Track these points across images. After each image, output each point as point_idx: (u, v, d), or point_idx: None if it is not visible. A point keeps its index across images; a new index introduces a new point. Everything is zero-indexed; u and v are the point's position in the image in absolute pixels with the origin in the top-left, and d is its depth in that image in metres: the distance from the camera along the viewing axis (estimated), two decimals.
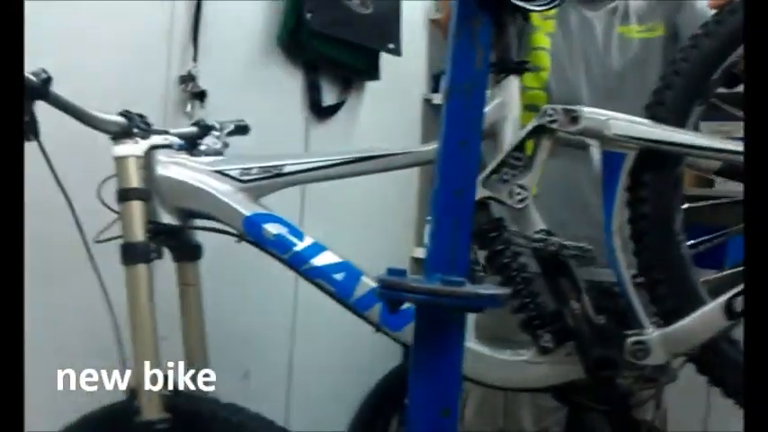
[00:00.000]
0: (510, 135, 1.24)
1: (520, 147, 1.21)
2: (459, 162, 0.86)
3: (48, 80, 1.12)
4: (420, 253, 2.51)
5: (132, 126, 1.26)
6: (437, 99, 2.57)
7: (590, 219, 1.47)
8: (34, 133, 1.13)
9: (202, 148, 1.41)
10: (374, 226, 2.38)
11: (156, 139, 1.28)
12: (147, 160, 1.27)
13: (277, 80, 2.10)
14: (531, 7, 1.03)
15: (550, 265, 1.18)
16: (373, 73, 2.25)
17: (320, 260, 1.25)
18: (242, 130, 1.56)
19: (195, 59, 1.83)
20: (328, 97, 2.21)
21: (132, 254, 1.22)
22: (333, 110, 2.20)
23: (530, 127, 1.21)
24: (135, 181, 1.24)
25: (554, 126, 1.19)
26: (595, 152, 1.24)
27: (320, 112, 2.17)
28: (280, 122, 2.08)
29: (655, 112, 1.19)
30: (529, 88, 1.72)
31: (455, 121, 0.86)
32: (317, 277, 1.25)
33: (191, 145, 1.39)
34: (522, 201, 1.20)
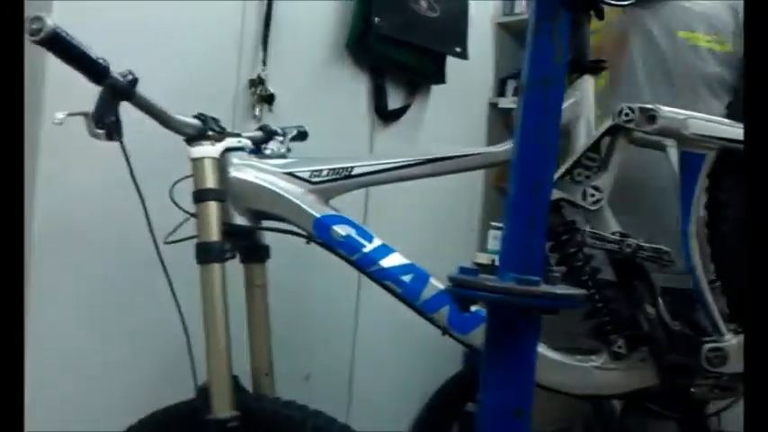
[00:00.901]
0: (584, 135, 1.23)
1: (594, 147, 1.19)
2: (536, 156, 0.85)
3: (134, 81, 1.15)
4: (483, 258, 2.49)
5: (207, 128, 1.29)
6: (503, 103, 2.55)
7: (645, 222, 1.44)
8: (118, 134, 1.16)
9: (267, 152, 1.44)
10: (437, 230, 2.37)
11: (229, 142, 1.31)
12: (222, 162, 1.30)
13: (344, 84, 2.11)
14: (614, 3, 1.02)
15: (625, 268, 1.15)
16: (439, 77, 2.24)
17: (388, 262, 1.25)
18: (302, 136, 1.58)
19: (265, 63, 1.86)
20: (394, 101, 2.21)
21: (207, 253, 1.24)
22: (398, 113, 2.20)
23: (605, 127, 1.19)
24: (211, 182, 1.26)
25: (630, 125, 1.17)
26: (672, 153, 1.21)
27: (386, 115, 2.17)
28: (346, 126, 2.09)
29: (735, 111, 1.16)
30: None
31: (533, 114, 0.85)
32: (385, 279, 1.25)
33: (256, 149, 1.41)
34: (596, 202, 1.18)
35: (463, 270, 0.88)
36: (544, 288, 0.83)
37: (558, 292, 0.83)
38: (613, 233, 1.15)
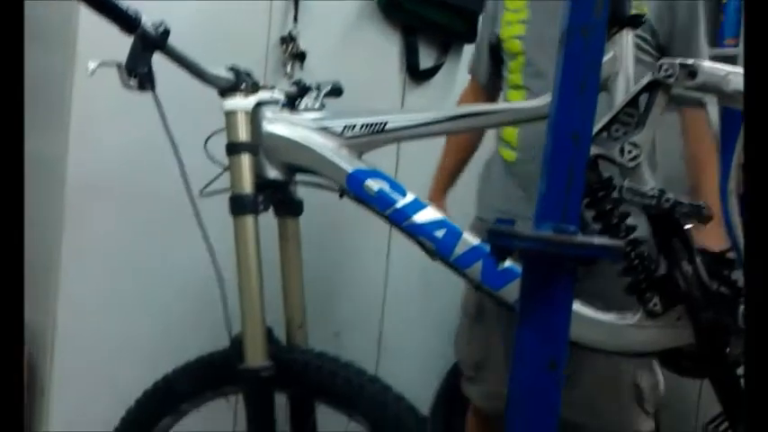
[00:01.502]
0: (622, 91, 1.20)
1: (633, 103, 1.17)
2: (576, 105, 0.84)
3: (166, 32, 1.15)
4: None
5: (241, 81, 1.28)
6: None
7: None
8: (151, 84, 1.16)
9: (301, 107, 1.43)
10: (466, 188, 2.36)
11: (263, 95, 1.30)
12: (254, 116, 1.30)
13: (375, 42, 2.09)
14: None
15: (663, 225, 1.14)
16: (471, 36, 2.20)
17: (421, 217, 1.24)
18: (337, 92, 1.57)
19: (296, 20, 1.84)
20: (426, 60, 2.19)
21: (241, 205, 1.25)
22: (430, 73, 2.18)
23: (644, 82, 1.16)
24: (244, 135, 1.26)
25: (670, 81, 1.14)
26: (713, 111, 1.19)
27: (417, 74, 2.15)
28: (377, 85, 2.08)
29: None
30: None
31: (573, 64, 0.84)
32: (418, 234, 1.24)
33: (290, 104, 1.41)
34: (633, 159, 1.16)
35: (500, 220, 0.87)
36: (582, 238, 0.82)
37: (596, 242, 0.82)
38: (651, 189, 1.13)
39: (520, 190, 1.68)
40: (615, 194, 1.18)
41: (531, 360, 0.86)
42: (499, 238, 0.84)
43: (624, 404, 1.66)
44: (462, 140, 1.92)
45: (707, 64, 1.14)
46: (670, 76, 1.14)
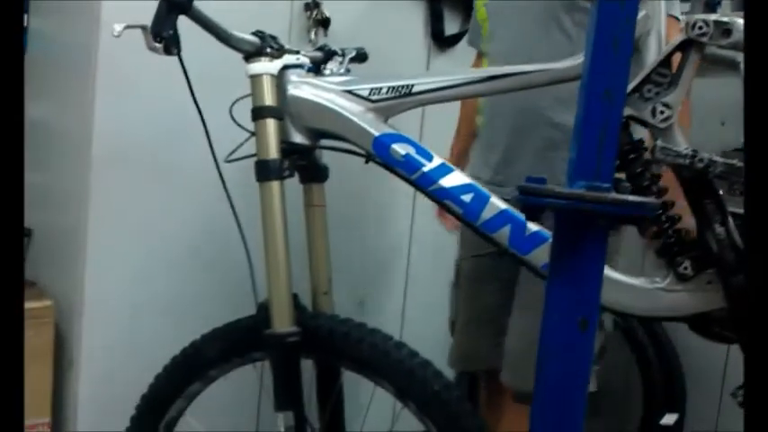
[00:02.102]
0: (654, 50, 1.18)
1: (665, 62, 1.14)
2: (609, 62, 0.82)
3: None
4: None
5: (266, 45, 1.27)
6: None
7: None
8: (176, 47, 1.15)
9: (326, 72, 1.42)
10: None
11: (288, 59, 1.29)
12: (280, 80, 1.29)
13: (400, 9, 2.07)
14: None
15: (695, 186, 1.12)
16: None
17: (448, 181, 1.23)
18: (361, 57, 1.55)
19: None
20: (451, 26, 2.16)
21: (266, 170, 1.24)
22: (455, 39, 2.15)
23: (676, 41, 1.14)
24: (270, 99, 1.25)
25: (703, 39, 1.11)
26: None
27: (442, 41, 2.13)
28: (402, 52, 2.06)
29: None
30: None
31: (607, 20, 0.82)
32: (445, 198, 1.23)
33: (315, 69, 1.40)
34: (665, 120, 1.14)
35: (531, 179, 0.86)
36: (616, 195, 0.81)
37: (631, 199, 0.81)
38: (685, 148, 1.11)
39: (482, 154, 1.66)
40: (646, 157, 1.16)
41: (561, 320, 0.85)
42: (531, 197, 0.82)
43: None
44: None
45: (741, 22, 1.11)
46: (704, 35, 1.12)
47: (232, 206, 1.32)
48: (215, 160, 1.34)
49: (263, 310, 1.26)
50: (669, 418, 2.15)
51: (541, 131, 1.53)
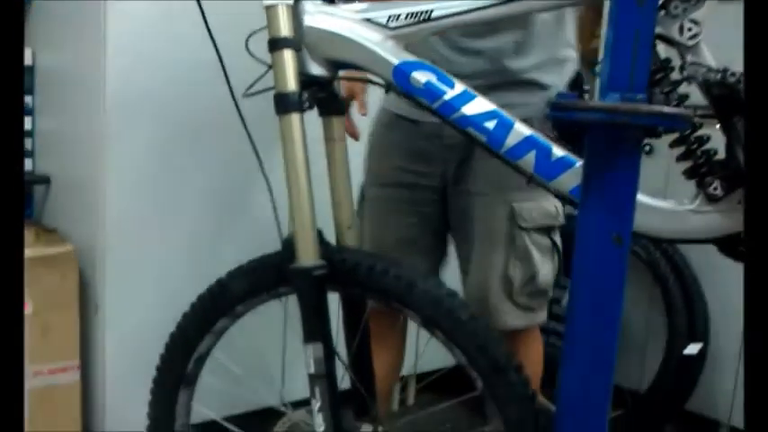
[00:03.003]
0: None
1: None
2: None
3: None
4: None
5: None
6: None
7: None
8: None
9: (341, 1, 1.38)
10: None
11: None
12: (296, 10, 1.26)
13: None
14: None
15: (725, 102, 1.09)
16: None
17: (471, 108, 1.21)
18: None
19: None
20: None
21: (285, 103, 1.22)
22: None
23: None
24: (286, 30, 1.23)
25: None
26: None
27: None
28: None
29: None
30: None
31: None
32: (468, 126, 1.21)
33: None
34: (693, 37, 1.10)
35: (562, 95, 0.84)
36: (651, 106, 0.79)
37: (666, 110, 0.78)
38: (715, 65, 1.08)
39: None
40: (674, 77, 1.13)
41: (596, 236, 0.84)
42: (562, 111, 0.80)
43: (492, 296, 1.62)
44: None
45: None
46: None
47: (252, 143, 1.31)
48: (232, 96, 1.32)
49: (288, 244, 1.26)
50: (692, 348, 2.16)
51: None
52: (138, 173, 1.81)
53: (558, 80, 1.58)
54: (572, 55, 1.65)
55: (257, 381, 1.73)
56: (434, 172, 1.66)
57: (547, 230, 1.64)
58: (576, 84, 1.58)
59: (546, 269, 1.64)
